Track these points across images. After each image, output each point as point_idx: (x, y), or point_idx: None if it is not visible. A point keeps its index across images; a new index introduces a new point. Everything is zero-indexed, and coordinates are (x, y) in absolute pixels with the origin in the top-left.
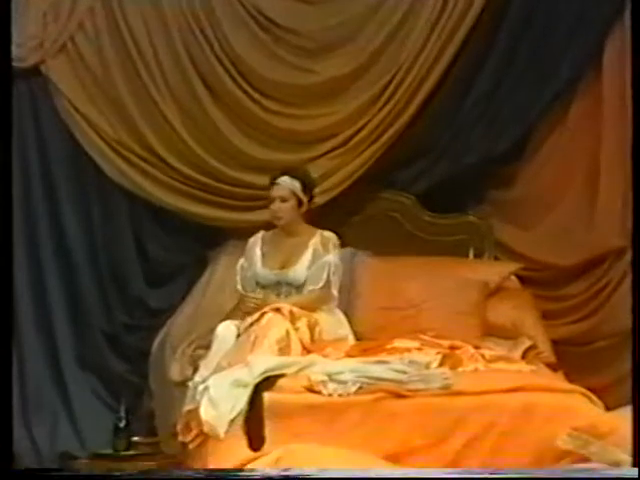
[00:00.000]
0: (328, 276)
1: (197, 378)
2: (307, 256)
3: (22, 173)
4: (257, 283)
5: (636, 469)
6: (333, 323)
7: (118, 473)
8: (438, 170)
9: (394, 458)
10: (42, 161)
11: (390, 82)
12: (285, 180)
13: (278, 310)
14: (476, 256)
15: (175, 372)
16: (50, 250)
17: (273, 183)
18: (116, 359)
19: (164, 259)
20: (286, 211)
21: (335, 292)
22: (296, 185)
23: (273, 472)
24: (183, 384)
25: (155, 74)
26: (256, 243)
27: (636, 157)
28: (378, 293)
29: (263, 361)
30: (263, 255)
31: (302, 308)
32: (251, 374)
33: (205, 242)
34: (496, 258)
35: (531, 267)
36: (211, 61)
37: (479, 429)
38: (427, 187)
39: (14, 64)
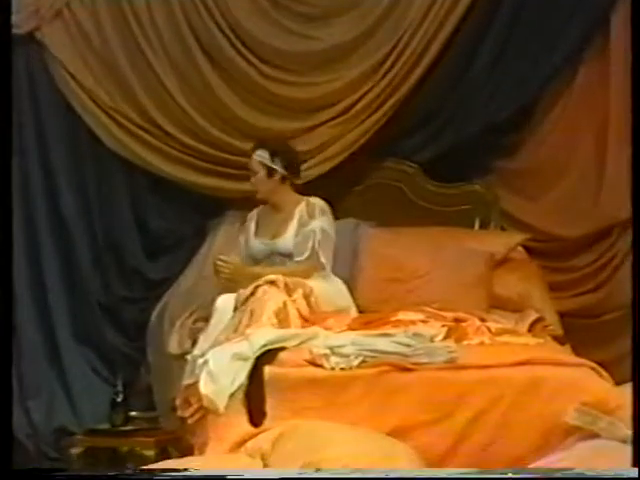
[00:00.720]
0: (314, 245)
1: (196, 351)
2: (293, 224)
3: (17, 143)
4: (251, 257)
5: (636, 469)
6: (331, 292)
7: (119, 473)
8: (442, 139)
9: (398, 433)
10: (38, 131)
11: (392, 50)
12: (256, 153)
13: (273, 283)
14: (482, 227)
15: (174, 345)
16: (46, 221)
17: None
18: (113, 332)
19: (163, 230)
20: (258, 183)
21: (324, 260)
22: (264, 155)
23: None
24: (182, 357)
25: (153, 41)
26: (252, 218)
27: (637, 131)
28: (381, 264)
29: (263, 334)
30: (257, 228)
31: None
32: (251, 347)
33: (205, 212)
34: (502, 229)
35: (538, 238)
36: (210, 27)
37: (485, 404)
38: (431, 156)
39: None
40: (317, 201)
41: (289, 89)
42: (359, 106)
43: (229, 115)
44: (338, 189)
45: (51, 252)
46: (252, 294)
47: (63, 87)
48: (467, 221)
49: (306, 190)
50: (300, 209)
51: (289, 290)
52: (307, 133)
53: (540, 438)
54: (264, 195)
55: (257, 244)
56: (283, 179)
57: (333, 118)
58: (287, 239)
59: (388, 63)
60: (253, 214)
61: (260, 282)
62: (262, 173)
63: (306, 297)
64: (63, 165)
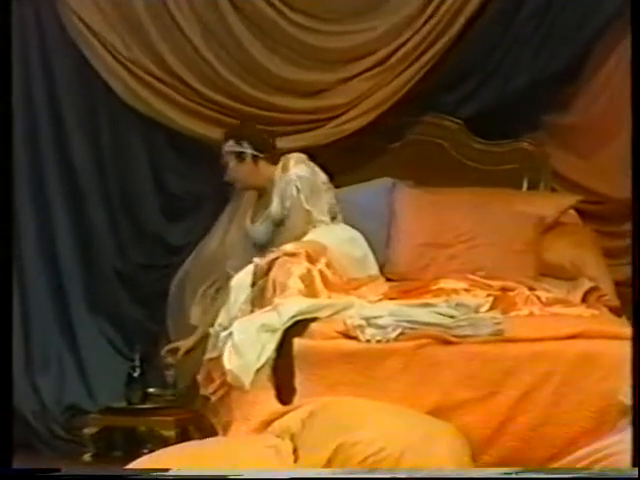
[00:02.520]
0: (291, 194)
1: (217, 327)
2: (276, 189)
3: (25, 96)
4: (256, 244)
5: (636, 469)
6: (340, 241)
7: (124, 473)
8: (487, 92)
9: (439, 412)
10: (47, 84)
11: None
12: (224, 148)
13: (293, 255)
14: (530, 187)
15: (196, 316)
16: (56, 181)
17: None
18: (130, 302)
19: (183, 191)
20: (232, 173)
21: (308, 206)
22: (230, 144)
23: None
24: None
25: None
26: (246, 209)
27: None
28: (421, 228)
29: (294, 303)
30: (253, 214)
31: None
32: (280, 318)
33: None
34: (553, 190)
35: (592, 200)
36: None
37: (534, 380)
38: (476, 111)
39: None
40: (291, 155)
41: (321, 39)
42: (396, 57)
43: (255, 66)
44: (374, 146)
45: (62, 213)
46: (269, 268)
47: (75, 37)
48: (514, 181)
49: (338, 147)
50: (278, 172)
51: (311, 260)
52: (340, 86)
53: (594, 418)
54: (243, 183)
55: (255, 227)
56: (255, 158)
57: (368, 70)
58: (275, 204)
59: (429, 10)
60: (245, 205)
61: (278, 254)
62: (233, 162)
63: (328, 265)
64: (75, 120)
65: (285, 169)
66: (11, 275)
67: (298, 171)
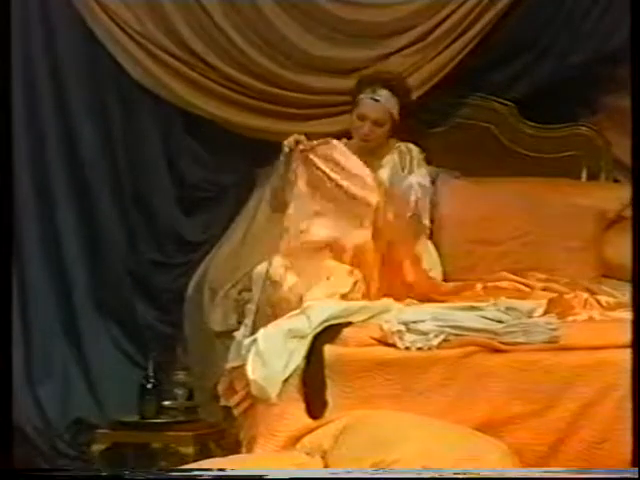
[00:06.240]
0: (415, 202)
1: (239, 336)
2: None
3: (25, 74)
4: None
5: (636, 469)
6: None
7: (128, 473)
8: (541, 71)
9: (488, 428)
10: (50, 60)
11: None
12: (386, 97)
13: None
14: (590, 177)
15: (216, 320)
16: (60, 168)
17: (371, 98)
18: (143, 304)
19: (202, 180)
20: (379, 136)
21: (427, 221)
22: (396, 105)
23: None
24: (226, 335)
25: None
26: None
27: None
28: (467, 223)
29: (324, 306)
30: None
31: None
32: (309, 322)
33: (253, 159)
34: (615, 180)
35: None
36: None
37: (594, 393)
38: (528, 91)
39: None
40: (412, 148)
41: (356, 11)
42: (439, 31)
43: (284, 43)
44: (414, 130)
45: (67, 205)
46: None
47: (82, 9)
48: (572, 171)
49: None
50: (391, 159)
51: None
52: (377, 63)
53: None
54: (373, 146)
55: None
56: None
57: (408, 46)
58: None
59: None
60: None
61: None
62: (387, 126)
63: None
64: (81, 102)
65: (411, 164)
66: (10, 274)
67: (421, 179)
